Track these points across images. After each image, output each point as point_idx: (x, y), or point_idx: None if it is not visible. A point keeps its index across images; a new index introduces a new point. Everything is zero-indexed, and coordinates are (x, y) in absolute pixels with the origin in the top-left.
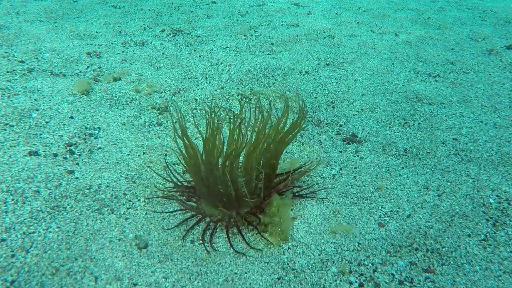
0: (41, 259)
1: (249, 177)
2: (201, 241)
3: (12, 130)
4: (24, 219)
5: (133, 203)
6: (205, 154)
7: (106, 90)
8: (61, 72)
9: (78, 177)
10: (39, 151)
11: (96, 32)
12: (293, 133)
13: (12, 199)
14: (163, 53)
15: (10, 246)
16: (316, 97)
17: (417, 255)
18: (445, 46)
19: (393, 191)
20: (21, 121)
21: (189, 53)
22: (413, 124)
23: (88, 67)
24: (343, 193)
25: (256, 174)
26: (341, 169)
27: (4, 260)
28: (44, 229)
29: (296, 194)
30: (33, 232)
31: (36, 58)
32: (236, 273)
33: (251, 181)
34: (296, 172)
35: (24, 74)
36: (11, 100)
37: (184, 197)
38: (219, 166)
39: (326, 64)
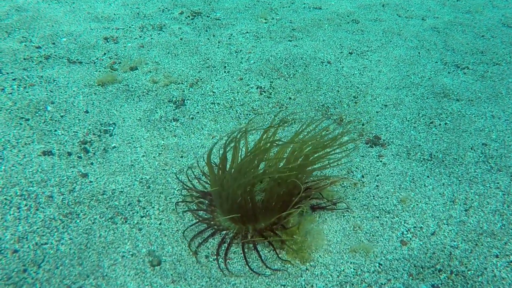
0: (53, 275)
1: (268, 195)
2: (216, 256)
3: (28, 125)
4: (37, 228)
5: (147, 211)
6: (235, 170)
7: (122, 81)
8: (77, 59)
9: (92, 181)
10: (53, 150)
11: (114, 14)
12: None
13: (25, 205)
14: (181, 39)
15: (22, 259)
16: (338, 91)
17: (440, 278)
18: (475, 32)
19: (417, 204)
20: (37, 114)
21: (208, 39)
22: (439, 124)
23: (104, 53)
24: (364, 206)
25: (277, 192)
26: (363, 176)
27: (16, 275)
28: (56, 240)
29: (316, 206)
30: (45, 244)
31: (53, 43)
32: None
33: (271, 197)
34: (317, 182)
35: (40, 61)
36: (27, 92)
37: (200, 205)
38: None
39: (349, 53)
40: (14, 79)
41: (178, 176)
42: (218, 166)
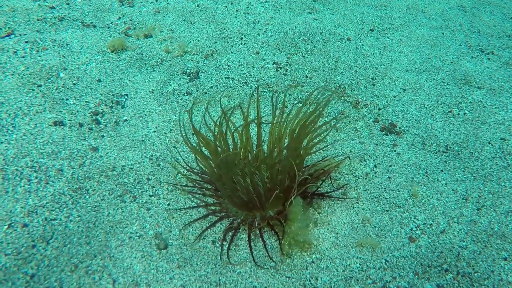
0: (61, 253)
1: (272, 183)
2: (223, 242)
3: (40, 91)
4: (47, 203)
5: (156, 190)
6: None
7: (136, 49)
8: (91, 23)
9: (102, 156)
10: (64, 121)
11: None
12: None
13: (36, 177)
14: (198, 5)
15: (31, 234)
16: (356, 71)
17: (446, 278)
18: (504, 14)
19: (428, 199)
20: (49, 80)
21: (226, 6)
22: (458, 114)
23: (119, 18)
24: (375, 198)
25: (280, 178)
26: (375, 166)
27: (25, 250)
28: (65, 216)
29: (316, 193)
30: (54, 219)
31: (68, 4)
32: (255, 286)
33: (275, 185)
34: (316, 167)
35: (54, 23)
36: (39, 56)
37: (209, 186)
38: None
39: (370, 30)
40: (27, 42)
41: (188, 154)
42: (197, 150)
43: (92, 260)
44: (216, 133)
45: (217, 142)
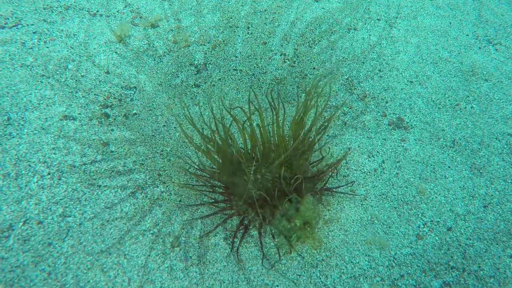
0: (77, 251)
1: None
2: (234, 239)
3: (49, 83)
4: (60, 199)
5: (167, 186)
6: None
7: (143, 39)
8: (97, 11)
9: (113, 151)
10: (74, 114)
11: None
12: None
13: (48, 173)
14: None
15: (47, 231)
16: (363, 62)
17: (452, 275)
18: (511, 2)
19: (436, 196)
20: (57, 72)
21: None
22: (465, 108)
23: (125, 6)
24: (383, 195)
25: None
26: (383, 162)
27: (42, 248)
28: (79, 213)
29: (324, 188)
30: (69, 216)
31: None
32: (267, 284)
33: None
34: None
35: (60, 12)
36: (47, 47)
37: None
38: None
39: (377, 19)
40: (34, 32)
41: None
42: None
43: (107, 258)
44: (215, 130)
45: (216, 137)
